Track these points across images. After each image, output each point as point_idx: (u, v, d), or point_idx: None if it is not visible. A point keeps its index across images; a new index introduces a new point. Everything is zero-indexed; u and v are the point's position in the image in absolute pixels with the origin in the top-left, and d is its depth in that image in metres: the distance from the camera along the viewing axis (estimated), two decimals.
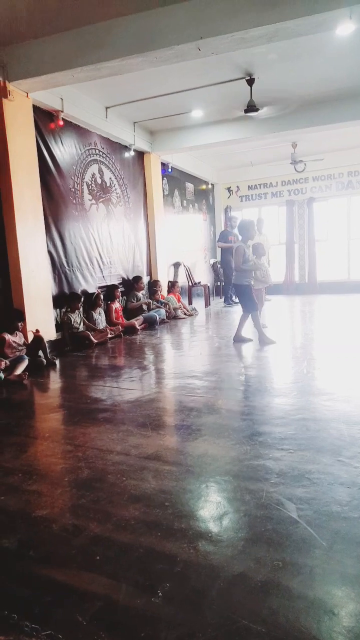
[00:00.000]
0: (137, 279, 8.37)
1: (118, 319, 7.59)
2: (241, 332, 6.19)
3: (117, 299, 7.71)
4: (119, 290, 7.84)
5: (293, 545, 1.87)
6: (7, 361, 4.94)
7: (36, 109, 5.96)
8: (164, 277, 9.66)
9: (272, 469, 2.53)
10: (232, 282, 6.43)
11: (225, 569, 1.75)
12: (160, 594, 1.64)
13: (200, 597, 1.62)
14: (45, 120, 6.24)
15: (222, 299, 11.01)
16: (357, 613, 1.51)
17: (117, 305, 7.67)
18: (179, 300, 9.43)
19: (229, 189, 13.18)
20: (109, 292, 7.62)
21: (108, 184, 7.87)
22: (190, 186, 11.58)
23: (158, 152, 9.17)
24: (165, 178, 9.98)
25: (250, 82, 6.45)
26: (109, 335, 6.86)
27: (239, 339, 6.18)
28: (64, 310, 6.54)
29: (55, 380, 5.04)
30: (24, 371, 4.97)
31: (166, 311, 8.64)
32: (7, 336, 5.18)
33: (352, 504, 2.14)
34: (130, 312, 8.11)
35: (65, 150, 6.70)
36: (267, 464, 2.59)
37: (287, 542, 1.89)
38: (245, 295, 6.05)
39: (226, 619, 1.51)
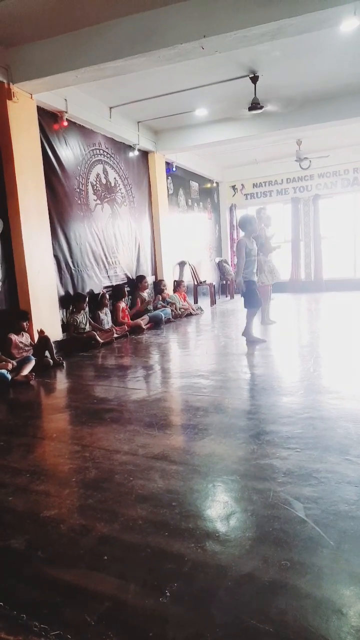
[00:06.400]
0: (141, 278, 8.36)
1: (124, 318, 7.60)
2: (251, 329, 6.12)
3: (124, 299, 7.74)
4: (126, 289, 7.87)
5: (301, 545, 1.86)
6: (14, 362, 4.96)
7: (40, 110, 5.98)
8: (169, 276, 9.66)
9: (279, 468, 2.53)
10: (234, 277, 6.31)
11: (233, 568, 1.75)
12: (168, 593, 1.64)
13: (208, 596, 1.62)
14: (50, 121, 6.26)
15: (227, 298, 10.76)
16: None
17: (123, 304, 7.70)
18: (184, 299, 9.43)
19: (233, 187, 13.14)
20: (116, 291, 7.65)
21: (113, 184, 7.88)
22: (194, 185, 11.57)
23: (162, 151, 9.16)
24: (169, 177, 9.98)
25: (254, 79, 6.43)
26: (115, 335, 6.87)
27: (249, 335, 6.04)
28: (69, 310, 6.56)
29: (61, 381, 5.06)
30: (30, 372, 4.99)
31: (172, 310, 8.64)
32: (14, 337, 5.21)
33: (359, 503, 2.14)
34: (135, 311, 8.12)
35: (69, 150, 6.71)
36: (274, 463, 2.58)
37: (294, 541, 1.89)
38: (248, 291, 5.99)
39: (234, 618, 1.51)
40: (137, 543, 1.95)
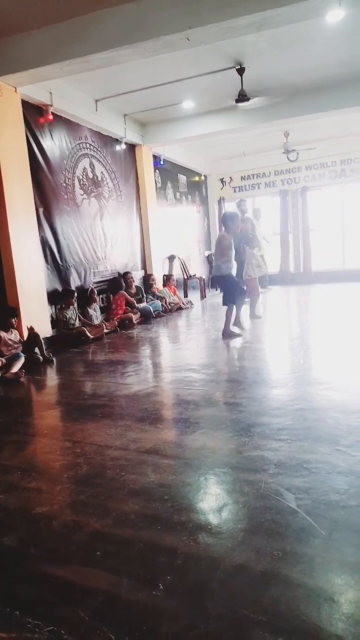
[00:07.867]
0: (125, 274, 8.35)
1: (121, 309, 7.67)
2: (229, 327, 6.06)
3: (121, 290, 7.82)
4: (120, 282, 7.95)
5: (292, 535, 1.88)
6: (3, 359, 4.92)
7: (25, 104, 5.90)
8: (158, 271, 9.63)
9: (270, 459, 2.54)
10: (212, 273, 6.29)
11: (226, 560, 1.76)
12: (161, 587, 1.65)
13: (201, 589, 1.63)
14: (35, 115, 6.18)
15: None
16: (357, 600, 1.52)
17: (123, 295, 7.81)
18: (174, 294, 9.42)
19: (222, 180, 13.12)
20: (112, 284, 7.79)
21: (99, 178, 7.82)
22: (183, 178, 11.52)
23: (150, 144, 9.10)
24: (157, 170, 9.92)
25: (241, 71, 6.40)
26: (105, 331, 6.85)
27: (228, 334, 6.00)
28: (58, 307, 6.52)
29: (52, 377, 5.04)
30: (20, 369, 4.95)
31: (162, 304, 8.63)
32: (2, 334, 5.16)
33: (350, 492, 2.15)
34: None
35: (55, 144, 6.64)
36: (266, 455, 2.60)
37: (286, 532, 1.90)
38: (227, 285, 5.95)
39: (227, 610, 1.52)
40: (129, 537, 1.95)
